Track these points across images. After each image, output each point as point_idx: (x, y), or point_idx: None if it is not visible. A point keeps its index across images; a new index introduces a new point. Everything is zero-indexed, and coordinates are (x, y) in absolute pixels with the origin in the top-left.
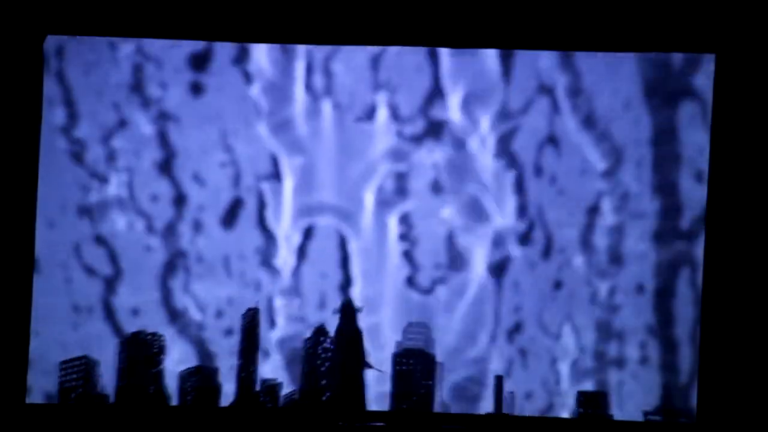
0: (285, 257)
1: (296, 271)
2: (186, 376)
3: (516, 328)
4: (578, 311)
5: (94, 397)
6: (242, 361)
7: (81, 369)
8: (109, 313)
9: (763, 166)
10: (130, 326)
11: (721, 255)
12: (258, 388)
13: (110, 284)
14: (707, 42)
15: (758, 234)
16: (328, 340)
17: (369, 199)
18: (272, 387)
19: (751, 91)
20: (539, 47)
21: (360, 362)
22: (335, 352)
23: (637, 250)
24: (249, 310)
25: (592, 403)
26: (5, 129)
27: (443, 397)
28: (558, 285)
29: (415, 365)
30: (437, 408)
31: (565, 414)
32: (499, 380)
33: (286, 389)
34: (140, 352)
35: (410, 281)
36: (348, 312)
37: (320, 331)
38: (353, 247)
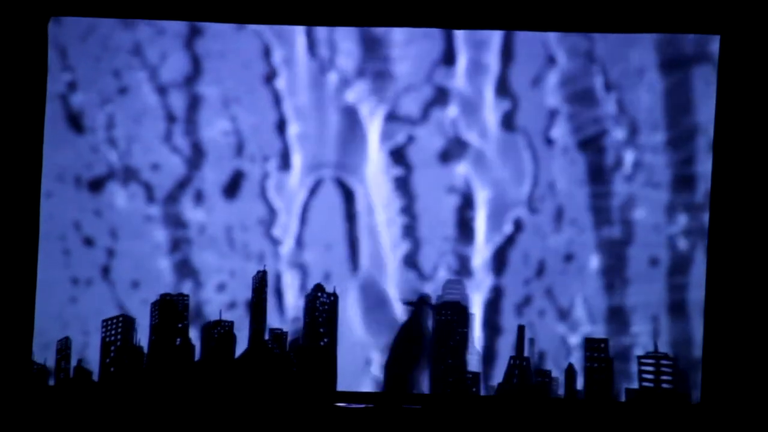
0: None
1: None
2: (208, 327)
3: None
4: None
5: (131, 348)
6: (252, 315)
7: (119, 325)
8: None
9: None
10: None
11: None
12: (267, 336)
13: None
14: (712, 23)
15: (761, 230)
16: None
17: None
18: (279, 335)
19: (756, 73)
20: (546, 29)
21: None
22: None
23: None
24: (258, 272)
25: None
26: (10, 120)
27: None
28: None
29: (452, 315)
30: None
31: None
32: (520, 329)
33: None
34: (168, 310)
35: None
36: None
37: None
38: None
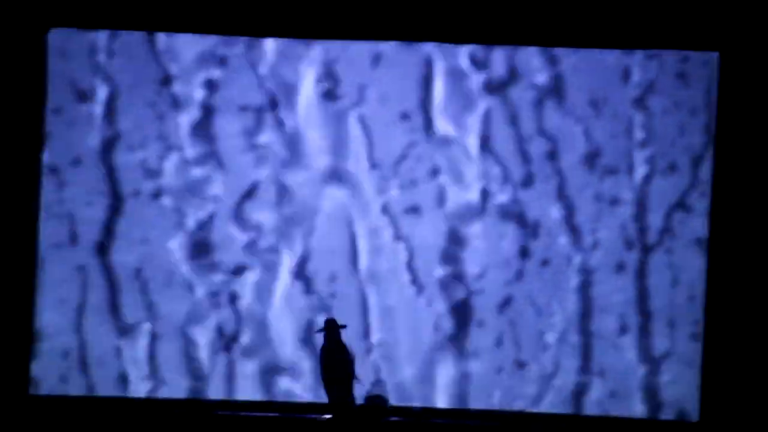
0: None
1: None
2: None
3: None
4: None
5: None
6: None
7: None
8: None
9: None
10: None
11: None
12: None
13: None
14: (711, 40)
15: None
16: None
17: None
18: None
19: (754, 89)
20: (550, 44)
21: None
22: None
23: None
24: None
25: None
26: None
27: None
28: None
29: None
30: None
31: None
32: None
33: None
34: None
35: None
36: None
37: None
38: None
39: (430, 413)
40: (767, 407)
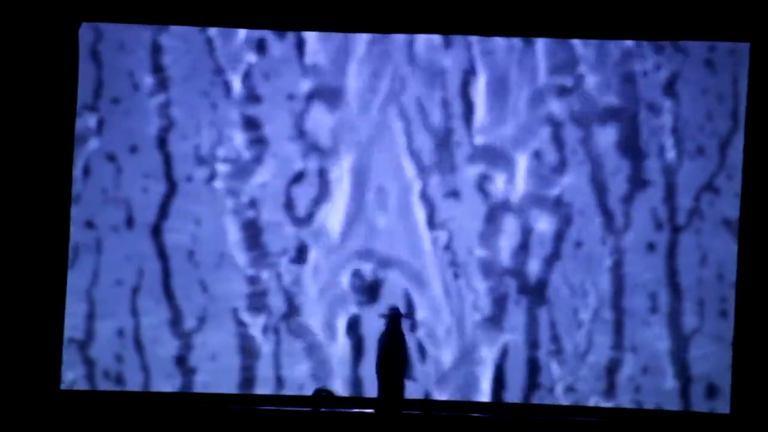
0: None
1: None
2: None
3: None
4: None
5: None
6: None
7: None
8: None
9: None
10: None
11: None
12: None
13: None
14: (743, 31)
15: None
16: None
17: None
18: None
19: None
20: (580, 36)
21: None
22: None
23: None
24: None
25: None
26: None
27: None
28: None
29: None
30: None
31: None
32: None
33: None
34: None
35: None
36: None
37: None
38: None
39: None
40: None
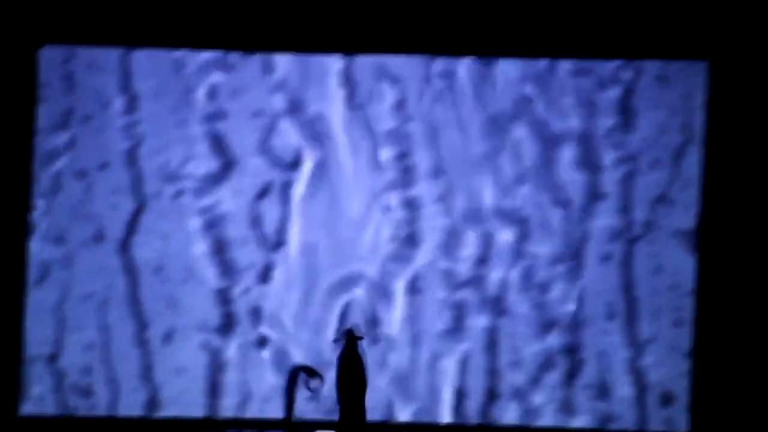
0: None
1: None
2: None
3: None
4: None
5: None
6: None
7: None
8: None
9: (761, 169)
10: None
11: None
12: None
13: None
14: (701, 49)
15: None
16: None
17: None
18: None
19: (744, 97)
20: (535, 55)
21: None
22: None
23: None
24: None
25: None
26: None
27: None
28: None
29: None
30: None
31: None
32: None
33: None
34: None
35: None
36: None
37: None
38: None
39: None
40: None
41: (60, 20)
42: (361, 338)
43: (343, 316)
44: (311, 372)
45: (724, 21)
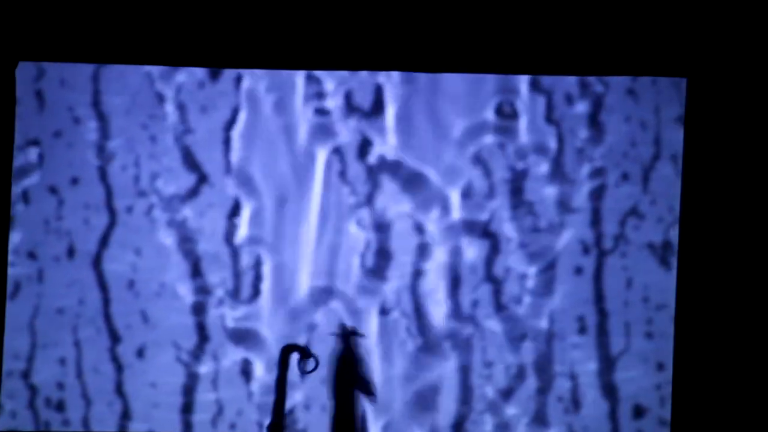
0: None
1: None
2: None
3: None
4: None
5: None
6: None
7: None
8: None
9: (737, 187)
10: None
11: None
12: None
13: None
14: (679, 66)
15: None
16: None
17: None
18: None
19: (722, 115)
20: (519, 72)
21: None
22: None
23: None
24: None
25: None
26: None
27: None
28: None
29: None
30: None
31: None
32: None
33: None
34: None
35: None
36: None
37: None
38: None
39: None
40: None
41: (32, 37)
42: (361, 335)
43: (318, 330)
44: (304, 352)
45: (701, 39)
